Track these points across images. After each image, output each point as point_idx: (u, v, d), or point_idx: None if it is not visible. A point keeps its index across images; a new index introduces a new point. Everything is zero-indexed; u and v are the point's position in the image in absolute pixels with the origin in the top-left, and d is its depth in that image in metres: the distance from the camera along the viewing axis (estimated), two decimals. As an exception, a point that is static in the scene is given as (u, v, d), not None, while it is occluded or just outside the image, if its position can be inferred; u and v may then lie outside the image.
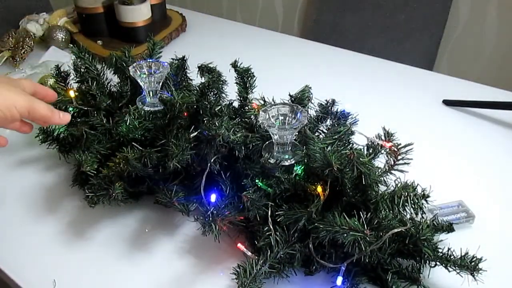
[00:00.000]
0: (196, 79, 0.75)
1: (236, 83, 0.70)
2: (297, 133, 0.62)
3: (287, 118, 0.60)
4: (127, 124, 0.65)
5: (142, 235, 0.65)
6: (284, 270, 0.56)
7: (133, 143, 0.63)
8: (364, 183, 0.53)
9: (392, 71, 1.07)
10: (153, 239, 0.64)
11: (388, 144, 0.56)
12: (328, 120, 0.68)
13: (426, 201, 0.53)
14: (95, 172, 0.63)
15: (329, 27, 1.70)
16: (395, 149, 0.56)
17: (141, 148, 0.62)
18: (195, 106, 0.63)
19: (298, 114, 0.59)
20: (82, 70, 0.75)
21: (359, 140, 0.64)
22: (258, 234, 0.57)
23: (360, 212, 0.52)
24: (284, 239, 0.55)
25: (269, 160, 0.60)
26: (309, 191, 0.56)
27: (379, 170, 0.57)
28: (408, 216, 0.55)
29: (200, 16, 1.35)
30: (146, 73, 0.69)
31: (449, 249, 0.52)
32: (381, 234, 0.51)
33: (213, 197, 0.59)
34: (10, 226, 0.66)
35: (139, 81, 0.68)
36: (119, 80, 0.76)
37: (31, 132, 0.64)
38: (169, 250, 0.62)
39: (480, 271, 0.50)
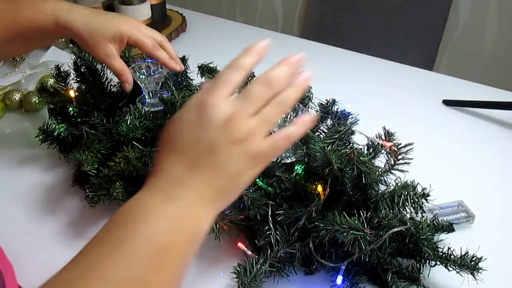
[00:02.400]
0: (196, 79, 0.75)
1: (236, 82, 0.70)
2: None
3: (289, 116, 0.60)
4: (128, 123, 0.65)
5: (142, 235, 0.64)
6: (284, 269, 0.56)
7: (133, 142, 0.63)
8: (364, 182, 0.53)
9: (392, 71, 1.07)
10: (153, 239, 0.64)
11: (388, 144, 0.56)
12: (329, 119, 0.68)
13: (426, 200, 0.53)
14: (96, 172, 0.63)
15: (329, 27, 1.70)
16: (395, 149, 0.56)
17: (141, 147, 0.62)
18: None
19: (300, 112, 0.59)
20: (82, 70, 0.75)
21: (359, 140, 0.64)
22: (258, 233, 0.57)
23: (360, 211, 0.52)
24: (284, 238, 0.55)
25: (269, 159, 0.59)
26: (310, 190, 0.56)
27: (379, 170, 0.57)
28: (408, 216, 0.55)
29: (200, 16, 1.35)
30: (145, 74, 0.69)
31: (449, 248, 0.52)
32: (381, 233, 0.51)
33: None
34: (10, 226, 0.66)
35: (138, 82, 0.68)
36: (119, 80, 0.76)
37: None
38: (169, 250, 0.62)
39: (480, 271, 0.50)
